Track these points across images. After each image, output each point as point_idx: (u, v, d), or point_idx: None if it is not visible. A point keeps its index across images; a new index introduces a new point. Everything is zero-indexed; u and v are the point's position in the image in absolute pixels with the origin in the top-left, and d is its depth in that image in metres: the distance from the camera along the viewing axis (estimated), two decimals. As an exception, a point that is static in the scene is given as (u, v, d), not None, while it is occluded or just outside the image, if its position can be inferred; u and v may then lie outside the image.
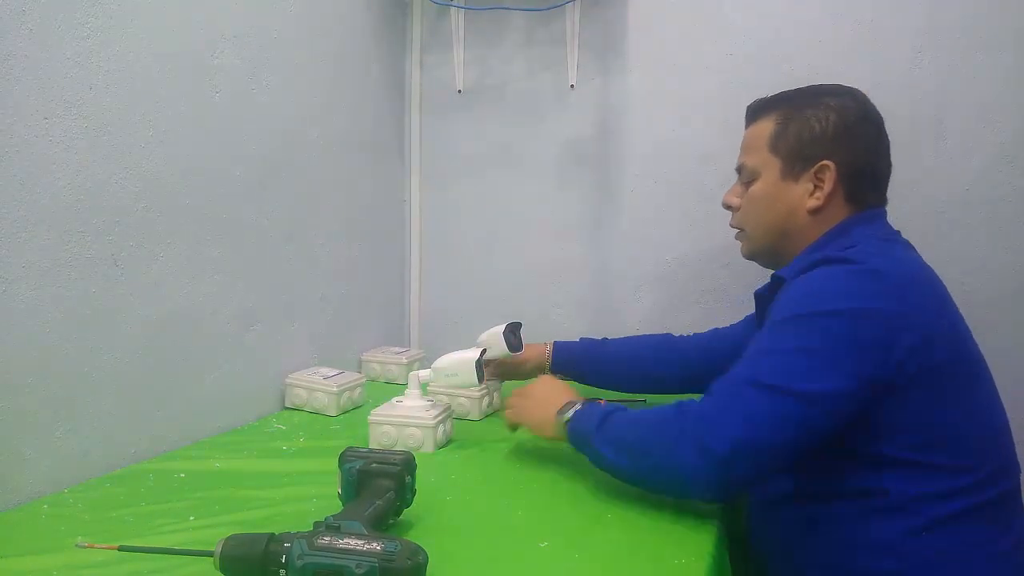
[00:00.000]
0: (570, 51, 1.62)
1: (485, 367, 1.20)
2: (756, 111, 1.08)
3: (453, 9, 1.68)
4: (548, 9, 1.62)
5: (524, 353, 1.32)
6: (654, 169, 1.62)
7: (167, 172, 1.10)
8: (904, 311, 0.85)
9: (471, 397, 1.27)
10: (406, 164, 1.80)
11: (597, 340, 1.38)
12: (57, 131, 0.93)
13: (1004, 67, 1.40)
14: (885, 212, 1.03)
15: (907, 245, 1.00)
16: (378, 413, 1.14)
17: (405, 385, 1.23)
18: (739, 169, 1.09)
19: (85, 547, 0.71)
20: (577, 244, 1.69)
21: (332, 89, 1.49)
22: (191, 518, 0.89)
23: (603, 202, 1.67)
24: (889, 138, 1.02)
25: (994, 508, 0.86)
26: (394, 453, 0.86)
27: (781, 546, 0.97)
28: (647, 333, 1.41)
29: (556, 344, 1.38)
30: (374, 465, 0.84)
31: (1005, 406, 0.93)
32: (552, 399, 1.03)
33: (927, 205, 1.44)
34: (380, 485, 0.82)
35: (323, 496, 0.92)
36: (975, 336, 0.93)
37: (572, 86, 1.64)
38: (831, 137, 0.99)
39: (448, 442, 1.17)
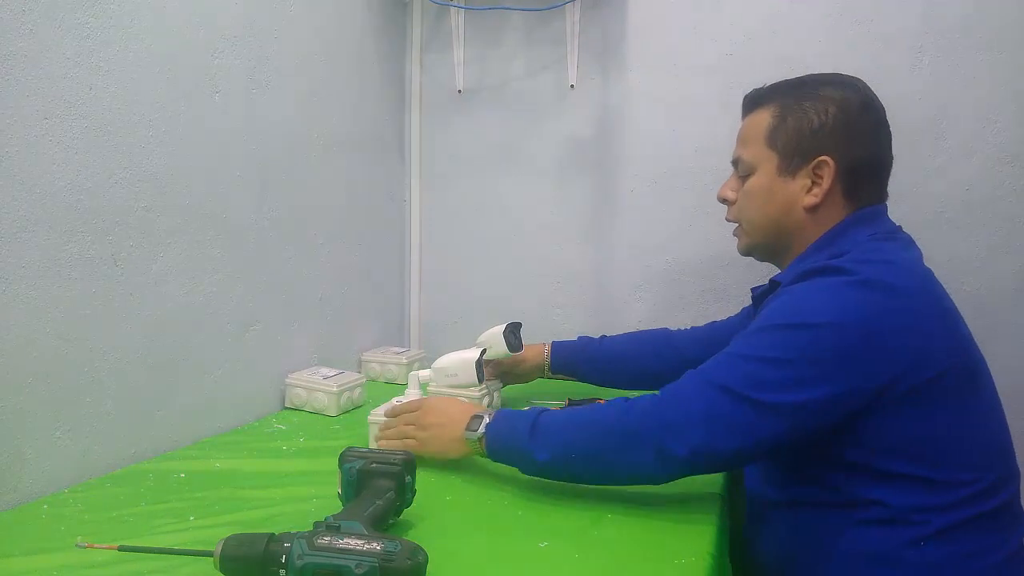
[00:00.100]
0: (570, 51, 1.62)
1: (485, 367, 1.20)
2: (754, 101, 1.05)
3: (453, 9, 1.68)
4: (548, 9, 1.62)
5: (523, 353, 1.32)
6: (654, 169, 1.62)
7: (167, 172, 1.10)
8: (895, 324, 0.83)
9: (471, 397, 1.27)
10: (406, 164, 1.80)
11: (595, 338, 1.38)
12: (57, 131, 0.93)
13: (1004, 67, 1.40)
14: (886, 207, 1.01)
15: (908, 242, 0.98)
16: (378, 413, 1.14)
17: (405, 385, 1.23)
18: (735, 162, 1.06)
19: (85, 547, 0.71)
20: (577, 244, 1.69)
21: (332, 89, 1.49)
22: (191, 518, 0.89)
23: (603, 202, 1.67)
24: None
25: (995, 517, 0.85)
26: (394, 453, 0.86)
27: (779, 554, 0.96)
28: (645, 329, 1.41)
29: (554, 344, 1.38)
30: (374, 465, 0.84)
31: (1005, 409, 0.92)
32: (453, 418, 1.01)
33: (927, 205, 1.44)
34: (380, 485, 0.82)
35: (323, 496, 0.92)
36: (974, 338, 0.92)
37: (572, 86, 1.64)
38: (830, 131, 0.96)
39: (448, 442, 1.17)
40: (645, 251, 1.64)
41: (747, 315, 1.20)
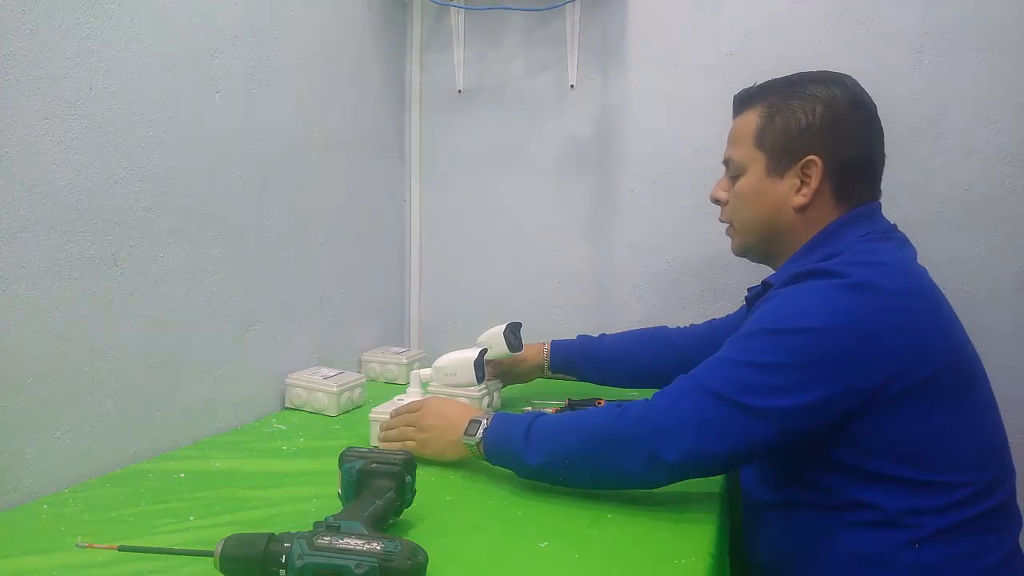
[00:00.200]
0: (570, 51, 1.62)
1: (485, 367, 1.20)
2: (743, 101, 1.04)
3: (453, 9, 1.68)
4: (548, 9, 1.62)
5: (523, 353, 1.32)
6: (654, 169, 1.62)
7: (167, 172, 1.10)
8: (889, 324, 0.83)
9: (471, 397, 1.27)
10: (406, 164, 1.80)
11: (594, 337, 1.38)
12: (57, 131, 0.93)
13: (1004, 67, 1.40)
14: (879, 205, 1.00)
15: (902, 241, 0.97)
16: (379, 411, 1.14)
17: (405, 385, 1.23)
18: (726, 162, 1.06)
19: (85, 547, 0.71)
20: (577, 244, 1.69)
21: (332, 89, 1.49)
22: (191, 518, 0.89)
23: (603, 202, 1.67)
24: (887, 136, 0.99)
25: (991, 518, 0.85)
26: (394, 453, 0.86)
27: (775, 555, 0.96)
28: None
29: (553, 343, 1.38)
30: (374, 465, 0.84)
31: (1001, 409, 0.91)
32: (451, 421, 1.03)
33: (927, 205, 1.44)
34: (380, 485, 0.82)
35: (323, 496, 0.92)
36: (973, 338, 0.91)
37: (572, 86, 1.64)
38: (818, 131, 0.95)
39: (448, 442, 1.17)
40: (645, 251, 1.64)
41: (743, 315, 1.20)
